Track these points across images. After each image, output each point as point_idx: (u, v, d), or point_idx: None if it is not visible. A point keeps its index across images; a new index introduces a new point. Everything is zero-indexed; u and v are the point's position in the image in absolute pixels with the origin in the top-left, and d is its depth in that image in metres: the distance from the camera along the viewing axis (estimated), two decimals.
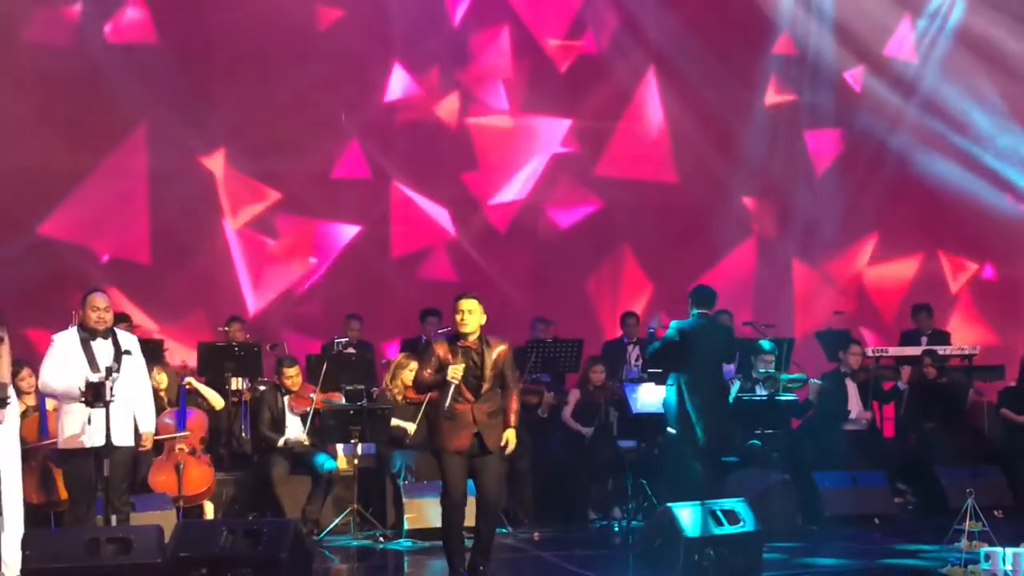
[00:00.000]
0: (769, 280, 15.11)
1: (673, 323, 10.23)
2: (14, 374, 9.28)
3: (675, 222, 14.92)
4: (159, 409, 10.23)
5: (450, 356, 8.06)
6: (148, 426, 8.52)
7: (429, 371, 8.12)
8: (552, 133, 14.95)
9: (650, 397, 11.08)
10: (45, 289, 12.68)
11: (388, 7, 14.19)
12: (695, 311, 10.18)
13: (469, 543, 8.26)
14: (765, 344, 11.61)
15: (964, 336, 14.27)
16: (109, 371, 8.08)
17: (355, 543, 9.98)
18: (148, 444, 8.70)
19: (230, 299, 13.65)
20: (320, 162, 14.18)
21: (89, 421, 8.10)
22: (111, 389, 8.04)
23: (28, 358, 9.69)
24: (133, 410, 8.34)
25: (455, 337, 8.13)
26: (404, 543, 9.91)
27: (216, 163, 13.88)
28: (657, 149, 15.13)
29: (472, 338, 8.07)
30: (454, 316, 8.12)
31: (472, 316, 8.06)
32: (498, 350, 8.13)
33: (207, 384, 10.87)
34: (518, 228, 14.78)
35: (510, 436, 8.12)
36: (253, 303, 13.97)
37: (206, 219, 13.87)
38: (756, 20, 15.08)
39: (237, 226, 14.01)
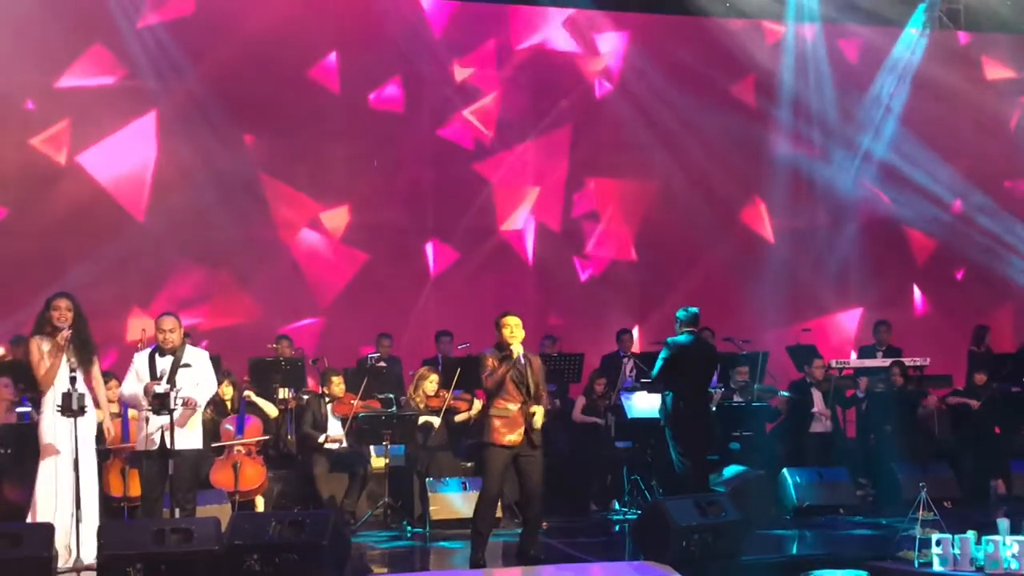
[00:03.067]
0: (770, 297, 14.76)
1: (668, 340, 10.17)
2: (104, 384, 9.38)
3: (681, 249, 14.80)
4: (223, 414, 10.30)
5: (498, 364, 8.12)
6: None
7: (492, 369, 8.10)
8: (555, 162, 14.66)
9: (643, 404, 11.08)
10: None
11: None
12: (685, 330, 10.12)
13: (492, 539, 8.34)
14: (741, 359, 11.66)
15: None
16: (172, 383, 8.10)
17: (386, 533, 9.95)
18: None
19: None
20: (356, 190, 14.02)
21: (147, 421, 8.08)
22: (175, 399, 8.05)
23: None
24: (198, 417, 8.31)
25: (501, 348, 8.16)
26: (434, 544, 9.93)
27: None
28: (662, 180, 14.83)
29: (516, 350, 8.11)
30: (501, 331, 8.15)
31: (518, 330, 8.15)
32: (537, 363, 8.27)
33: (258, 394, 10.90)
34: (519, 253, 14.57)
35: (538, 411, 8.17)
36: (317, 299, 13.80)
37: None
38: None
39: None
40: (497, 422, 8.11)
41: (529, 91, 14.60)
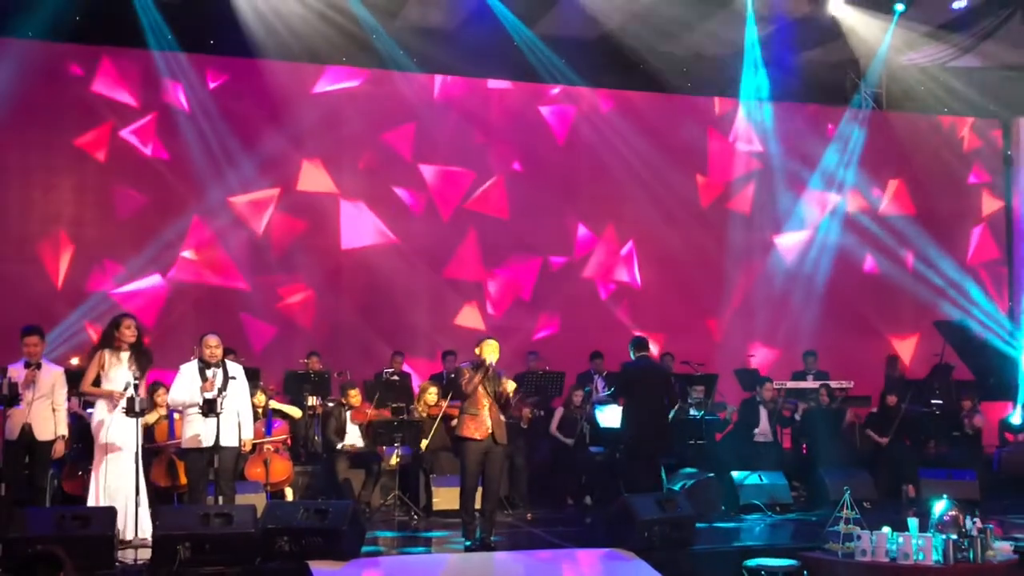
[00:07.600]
0: None
1: (623, 364, 10.22)
2: (154, 391, 9.38)
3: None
4: (255, 418, 10.26)
5: (474, 373, 8.26)
6: (247, 434, 8.45)
7: (469, 377, 8.23)
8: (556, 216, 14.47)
9: (611, 416, 11.08)
10: None
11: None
12: (637, 354, 10.15)
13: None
14: (696, 379, 11.68)
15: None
16: (220, 391, 8.10)
17: (396, 521, 9.93)
18: (247, 448, 8.65)
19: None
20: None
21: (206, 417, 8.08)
22: (221, 404, 8.06)
23: None
24: (237, 420, 8.30)
25: (478, 365, 8.27)
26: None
27: None
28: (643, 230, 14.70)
29: (490, 359, 8.24)
30: (483, 349, 8.28)
31: (495, 350, 8.29)
32: (510, 385, 8.42)
33: (290, 400, 10.97)
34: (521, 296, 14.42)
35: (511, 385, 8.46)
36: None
37: None
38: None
39: None
40: (469, 420, 8.22)
41: (521, 149, 14.51)
